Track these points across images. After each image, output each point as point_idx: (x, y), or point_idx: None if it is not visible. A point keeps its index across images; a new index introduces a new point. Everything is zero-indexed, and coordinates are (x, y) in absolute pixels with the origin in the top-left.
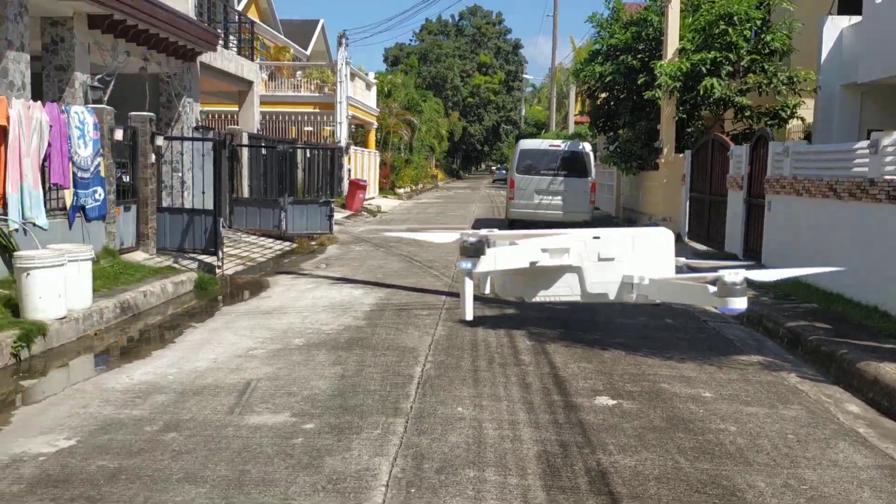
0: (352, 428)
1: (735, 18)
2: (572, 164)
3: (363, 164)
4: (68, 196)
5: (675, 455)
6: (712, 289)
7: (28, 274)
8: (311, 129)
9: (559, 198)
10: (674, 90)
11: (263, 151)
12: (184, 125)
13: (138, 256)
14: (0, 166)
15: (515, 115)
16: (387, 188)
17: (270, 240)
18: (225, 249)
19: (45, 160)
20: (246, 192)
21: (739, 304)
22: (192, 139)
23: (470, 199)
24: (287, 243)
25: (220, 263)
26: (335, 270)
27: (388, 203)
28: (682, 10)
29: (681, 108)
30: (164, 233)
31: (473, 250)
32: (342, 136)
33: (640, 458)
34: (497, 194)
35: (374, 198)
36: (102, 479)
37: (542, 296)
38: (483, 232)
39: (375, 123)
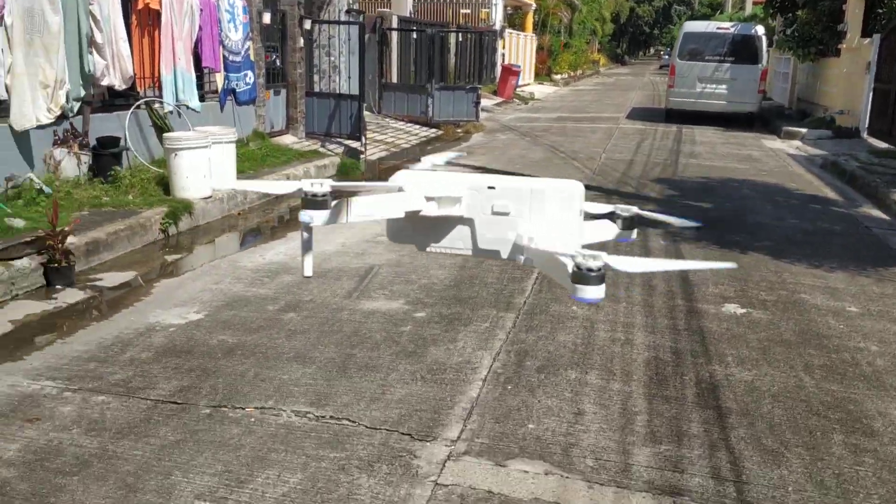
0: (461, 319)
1: None
2: (742, 50)
3: (518, 49)
4: (219, 80)
5: (799, 372)
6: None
7: (176, 154)
8: (467, 11)
9: (724, 86)
10: None
11: (413, 36)
12: (336, 8)
13: (287, 140)
14: (155, 49)
15: None
16: (543, 74)
17: (417, 126)
18: (370, 135)
19: (196, 44)
20: (395, 78)
21: (592, 293)
22: (339, 22)
23: (631, 86)
24: (433, 130)
25: (362, 148)
26: (475, 159)
27: (542, 90)
28: None
29: None
30: (312, 117)
31: (315, 202)
32: (497, 18)
33: (760, 372)
34: (661, 81)
35: (528, 84)
36: (220, 352)
37: (435, 247)
38: (409, 167)
39: (533, 5)
